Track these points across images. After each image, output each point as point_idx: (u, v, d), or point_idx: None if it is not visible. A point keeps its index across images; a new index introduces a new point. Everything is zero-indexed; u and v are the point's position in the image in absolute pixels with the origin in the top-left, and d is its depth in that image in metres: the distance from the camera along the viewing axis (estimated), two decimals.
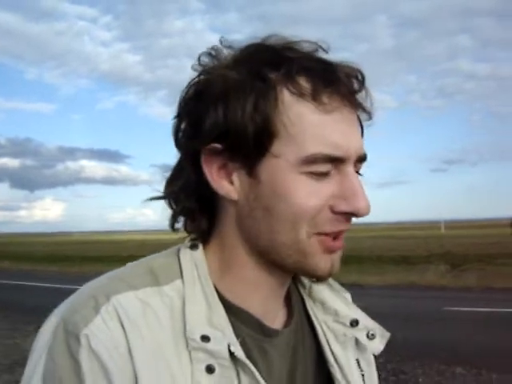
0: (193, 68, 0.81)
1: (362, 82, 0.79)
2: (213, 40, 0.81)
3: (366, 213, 0.77)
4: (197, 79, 0.80)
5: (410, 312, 9.52)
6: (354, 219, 0.79)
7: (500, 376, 5.29)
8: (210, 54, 0.81)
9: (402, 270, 17.10)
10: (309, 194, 0.74)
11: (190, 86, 0.81)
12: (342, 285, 0.95)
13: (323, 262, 0.78)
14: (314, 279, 0.86)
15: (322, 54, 0.79)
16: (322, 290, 0.91)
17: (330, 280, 0.92)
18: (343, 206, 0.75)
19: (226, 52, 0.80)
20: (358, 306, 0.92)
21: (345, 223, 0.78)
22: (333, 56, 0.79)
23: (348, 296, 0.97)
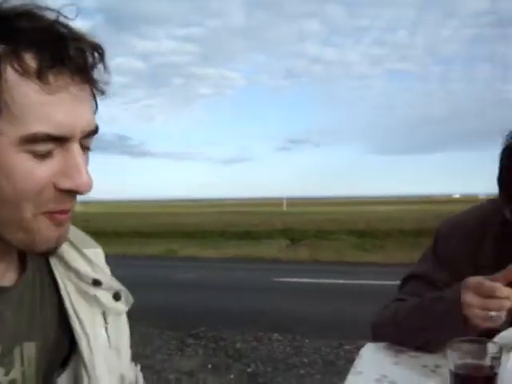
0: None
1: (98, 56, 0.79)
2: None
3: (88, 189, 0.79)
4: None
5: (241, 284, 9.86)
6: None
7: (312, 340, 5.69)
8: None
9: (244, 244, 17.55)
10: (30, 173, 0.75)
11: None
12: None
13: (50, 237, 0.81)
14: (43, 253, 0.87)
15: (69, 21, 0.77)
16: (65, 249, 0.93)
17: (76, 238, 0.96)
18: (65, 183, 0.77)
19: None
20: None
21: (69, 201, 0.81)
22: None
23: (98, 251, 1.01)
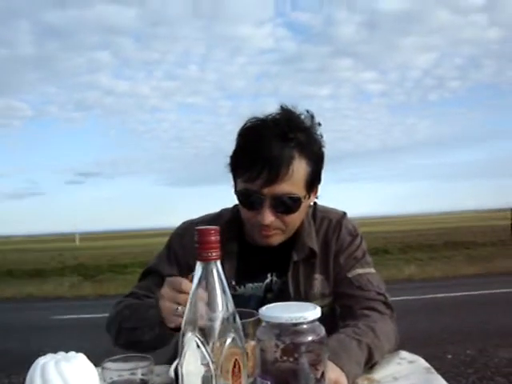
0: None
1: None
2: None
3: None
4: None
5: (15, 325, 9.32)
6: None
7: None
8: None
9: (30, 283, 16.60)
10: None
11: None
12: None
13: None
14: None
15: None
16: None
17: None
18: None
19: None
20: None
21: None
22: None
23: None
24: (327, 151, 1.69)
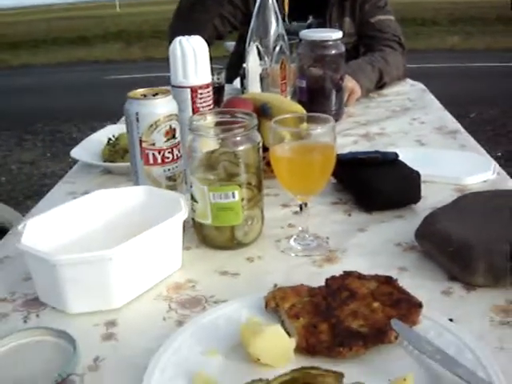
0: None
1: None
2: None
3: None
4: None
5: (74, 84, 9.92)
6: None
7: None
8: None
9: (77, 49, 17.10)
10: None
11: None
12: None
13: None
14: None
15: None
16: None
17: None
18: None
19: None
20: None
21: None
22: None
23: None
24: None
